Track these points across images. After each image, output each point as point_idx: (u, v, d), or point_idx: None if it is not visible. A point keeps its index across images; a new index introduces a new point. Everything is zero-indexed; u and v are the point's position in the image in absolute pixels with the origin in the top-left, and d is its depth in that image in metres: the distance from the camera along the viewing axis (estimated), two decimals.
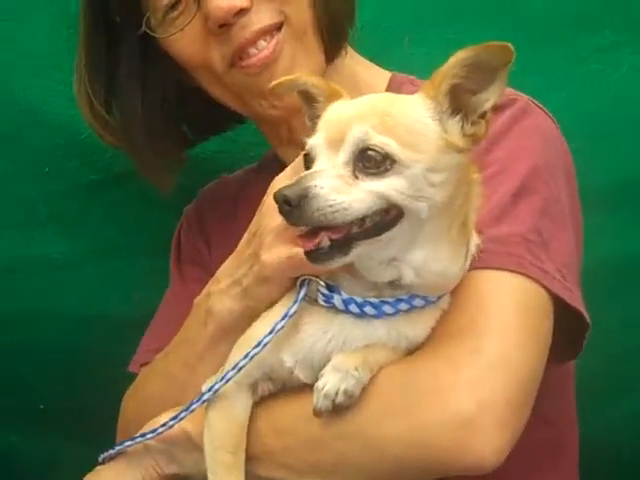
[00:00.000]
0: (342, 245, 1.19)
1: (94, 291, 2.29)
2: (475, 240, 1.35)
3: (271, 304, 1.41)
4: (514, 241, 1.38)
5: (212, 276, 1.87)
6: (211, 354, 1.51)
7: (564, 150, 1.61)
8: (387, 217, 1.21)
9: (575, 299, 1.42)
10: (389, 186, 1.18)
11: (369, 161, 1.19)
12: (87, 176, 2.18)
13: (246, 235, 1.49)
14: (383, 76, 1.79)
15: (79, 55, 1.77)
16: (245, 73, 1.62)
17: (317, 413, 1.28)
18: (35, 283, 2.27)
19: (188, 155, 1.97)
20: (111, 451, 1.56)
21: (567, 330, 1.41)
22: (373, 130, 1.19)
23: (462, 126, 1.24)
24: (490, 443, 1.23)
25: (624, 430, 2.33)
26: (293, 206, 1.15)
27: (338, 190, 1.17)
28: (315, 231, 1.18)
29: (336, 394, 1.26)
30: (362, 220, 1.19)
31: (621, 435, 2.33)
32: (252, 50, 1.59)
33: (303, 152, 1.29)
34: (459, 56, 1.21)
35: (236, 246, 1.86)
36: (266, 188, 1.91)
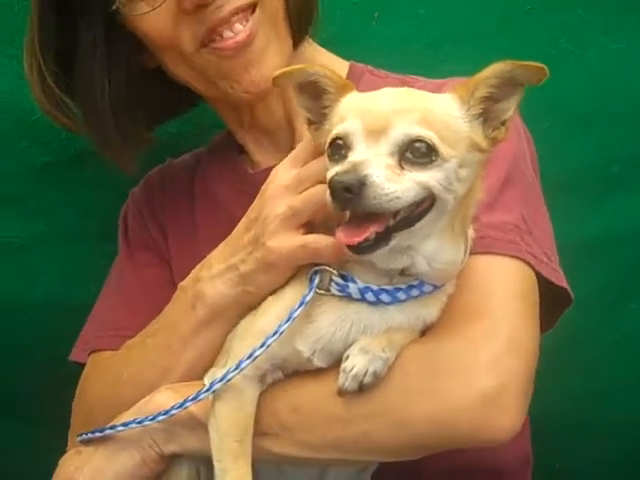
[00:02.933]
0: (383, 237, 1.24)
1: (48, 275, 2.24)
2: (471, 229, 1.41)
3: (271, 291, 1.43)
4: (509, 228, 1.47)
5: (167, 261, 1.85)
6: (197, 338, 1.51)
7: (528, 137, 1.68)
8: (418, 209, 1.25)
9: (561, 279, 1.54)
10: (432, 177, 1.23)
11: (416, 153, 1.22)
12: (40, 158, 2.12)
13: (244, 221, 1.48)
14: (342, 65, 1.81)
15: (30, 30, 1.69)
16: (219, 55, 1.60)
17: (342, 393, 1.34)
18: None
19: (155, 136, 1.92)
20: (98, 434, 1.51)
21: (544, 305, 1.48)
22: (418, 123, 1.23)
23: (483, 129, 1.30)
24: (509, 419, 1.33)
25: (573, 408, 2.38)
26: (354, 194, 1.16)
27: (390, 179, 1.19)
28: (358, 224, 1.21)
29: (364, 375, 1.32)
30: (397, 211, 1.23)
31: (570, 413, 2.38)
32: (227, 33, 1.58)
33: (332, 136, 1.28)
34: (497, 68, 1.27)
35: (195, 229, 1.82)
36: (223, 170, 1.89)
